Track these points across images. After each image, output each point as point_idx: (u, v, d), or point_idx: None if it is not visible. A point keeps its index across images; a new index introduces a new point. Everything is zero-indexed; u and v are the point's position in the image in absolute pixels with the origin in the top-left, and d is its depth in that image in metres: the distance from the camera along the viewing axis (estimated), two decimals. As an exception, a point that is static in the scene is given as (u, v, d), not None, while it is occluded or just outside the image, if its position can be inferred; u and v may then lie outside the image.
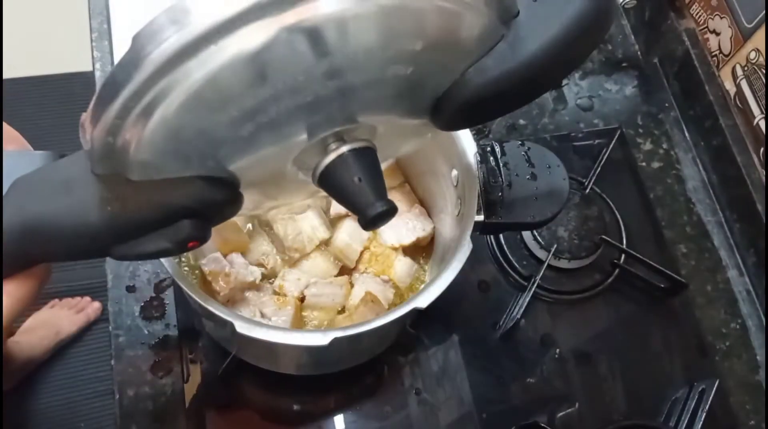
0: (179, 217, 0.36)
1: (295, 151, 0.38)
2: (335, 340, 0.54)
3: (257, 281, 0.70)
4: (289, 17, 0.30)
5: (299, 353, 0.67)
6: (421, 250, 0.75)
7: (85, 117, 0.33)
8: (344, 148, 0.38)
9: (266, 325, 0.57)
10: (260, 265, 0.71)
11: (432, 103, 0.40)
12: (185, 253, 0.71)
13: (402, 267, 0.72)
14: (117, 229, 0.36)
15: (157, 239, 0.36)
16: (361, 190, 0.38)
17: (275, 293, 0.70)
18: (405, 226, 0.73)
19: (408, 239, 0.73)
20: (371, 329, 0.55)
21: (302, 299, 0.70)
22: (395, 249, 0.73)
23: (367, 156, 0.39)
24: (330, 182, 0.39)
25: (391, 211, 0.38)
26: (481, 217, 0.61)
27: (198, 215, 0.37)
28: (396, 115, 0.40)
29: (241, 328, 0.54)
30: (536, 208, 0.63)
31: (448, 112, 0.40)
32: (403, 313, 0.56)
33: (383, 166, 0.42)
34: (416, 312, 0.56)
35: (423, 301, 0.56)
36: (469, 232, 0.60)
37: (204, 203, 0.36)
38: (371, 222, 0.38)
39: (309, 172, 0.40)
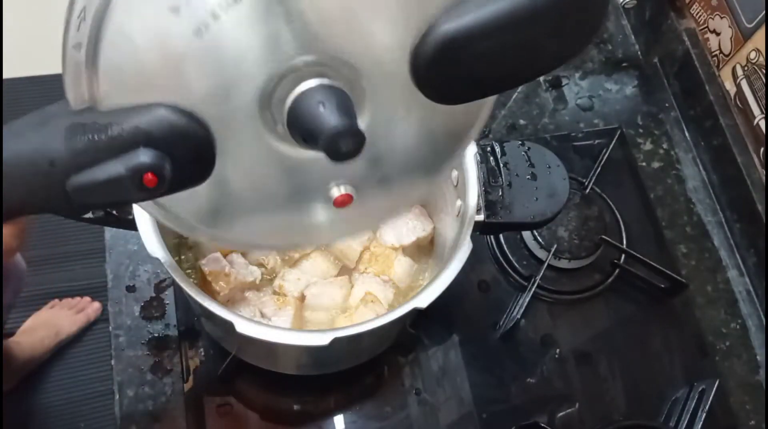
0: (138, 144, 0.35)
1: (257, 80, 0.37)
2: (335, 340, 0.54)
3: (257, 281, 0.70)
4: None
5: (299, 353, 0.67)
6: (421, 250, 0.75)
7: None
8: (314, 82, 0.36)
9: (266, 324, 0.57)
10: (260, 265, 0.71)
11: (410, 55, 0.38)
12: (184, 253, 0.71)
13: (402, 267, 0.72)
14: (78, 153, 0.35)
15: (112, 165, 0.35)
16: (324, 114, 0.36)
17: (275, 293, 0.70)
18: (405, 226, 0.73)
19: (408, 239, 0.73)
20: (371, 329, 0.55)
21: (302, 299, 0.70)
22: (395, 249, 0.73)
23: (339, 93, 0.37)
24: (297, 116, 0.37)
25: (354, 133, 0.35)
26: (481, 217, 0.61)
27: (159, 146, 0.36)
28: (370, 49, 0.38)
29: (241, 328, 0.54)
30: (536, 208, 0.63)
31: (422, 63, 0.37)
32: (403, 313, 0.56)
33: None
34: (416, 312, 0.57)
35: (423, 301, 0.56)
36: (469, 232, 0.60)
37: (164, 130, 0.36)
38: (333, 144, 0.35)
39: (279, 120, 0.38)
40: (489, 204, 0.62)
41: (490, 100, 0.45)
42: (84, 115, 0.36)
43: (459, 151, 0.47)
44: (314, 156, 0.40)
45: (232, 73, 0.36)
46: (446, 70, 0.38)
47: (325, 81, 0.37)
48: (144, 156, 0.35)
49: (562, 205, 0.63)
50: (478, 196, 0.61)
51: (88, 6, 0.33)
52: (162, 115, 0.35)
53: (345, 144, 0.35)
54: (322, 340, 0.54)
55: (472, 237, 0.60)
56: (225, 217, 0.45)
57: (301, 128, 0.37)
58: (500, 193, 0.63)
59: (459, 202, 0.64)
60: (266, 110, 0.38)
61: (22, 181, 0.36)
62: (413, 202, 0.51)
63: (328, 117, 0.35)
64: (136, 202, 0.39)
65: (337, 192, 0.43)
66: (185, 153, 0.37)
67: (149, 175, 0.35)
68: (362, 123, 0.40)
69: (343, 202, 0.43)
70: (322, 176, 0.43)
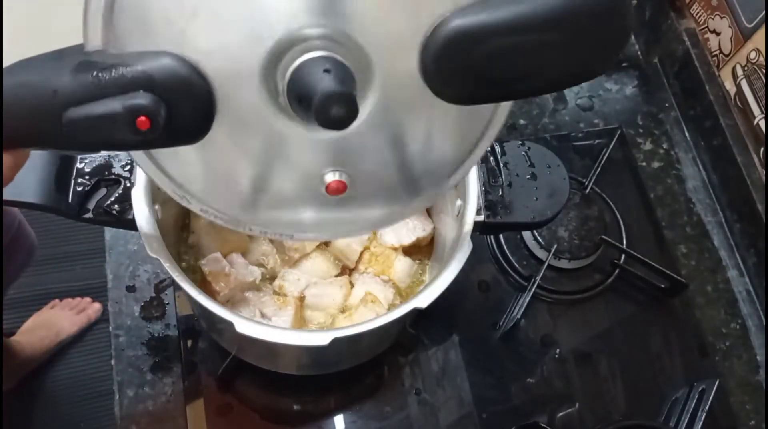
0: (140, 87, 0.36)
1: (266, 44, 0.37)
2: (335, 340, 0.54)
3: (257, 281, 0.70)
4: None
5: (299, 353, 0.67)
6: (421, 250, 0.75)
7: None
8: (319, 53, 0.37)
9: (266, 324, 0.57)
10: (260, 265, 0.72)
11: (419, 47, 0.38)
12: (185, 254, 0.71)
13: (402, 267, 0.72)
14: (81, 86, 0.36)
15: (110, 102, 0.36)
16: (322, 79, 0.36)
17: (275, 293, 0.70)
18: (405, 226, 0.73)
19: (408, 239, 0.73)
20: (371, 329, 0.55)
21: (302, 299, 0.70)
22: (395, 249, 0.73)
23: (342, 65, 0.37)
24: (296, 79, 0.37)
25: (348, 99, 0.35)
26: (481, 217, 0.61)
27: (159, 93, 0.36)
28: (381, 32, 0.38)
29: (242, 327, 0.54)
30: (536, 208, 0.63)
31: (431, 55, 0.37)
32: (403, 313, 0.56)
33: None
34: (416, 312, 0.57)
35: (423, 301, 0.56)
36: (469, 232, 0.60)
37: (167, 78, 0.36)
38: (325, 107, 0.34)
39: (282, 91, 0.38)
40: (489, 204, 0.62)
41: (503, 111, 0.44)
42: (94, 55, 0.37)
43: (467, 162, 0.47)
44: (312, 137, 0.41)
45: (244, 32, 0.37)
46: (454, 64, 0.38)
47: (329, 53, 0.37)
48: (142, 98, 0.36)
49: (562, 205, 0.63)
50: (478, 196, 0.61)
51: None
52: (167, 63, 0.36)
53: (337, 109, 0.35)
54: (322, 340, 0.54)
55: (472, 237, 0.60)
56: (217, 187, 0.45)
57: (297, 93, 0.37)
58: (500, 193, 0.63)
59: (459, 202, 0.64)
60: (270, 77, 0.38)
61: (23, 105, 0.37)
62: (415, 209, 0.50)
63: (323, 81, 0.35)
64: (127, 146, 0.39)
65: (331, 177, 0.43)
66: (184, 105, 0.37)
67: (143, 118, 0.36)
68: (363, 111, 0.40)
69: (336, 190, 0.43)
70: (319, 161, 0.43)
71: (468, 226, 0.60)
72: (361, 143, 0.41)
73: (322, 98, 0.35)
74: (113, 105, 0.36)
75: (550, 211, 0.63)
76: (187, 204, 0.46)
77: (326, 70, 0.36)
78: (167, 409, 0.72)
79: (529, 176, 0.64)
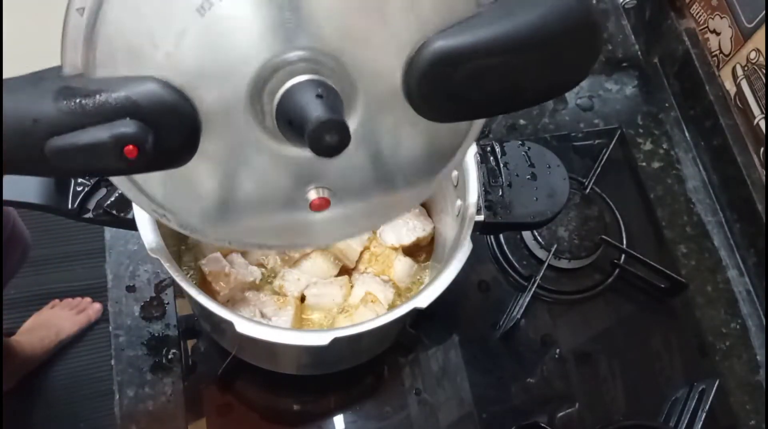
0: (125, 114, 0.35)
1: (253, 67, 0.37)
2: (335, 340, 0.54)
3: (257, 281, 0.70)
4: None
5: (299, 353, 0.67)
6: (421, 250, 0.75)
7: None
8: (307, 77, 0.37)
9: (266, 324, 0.57)
10: (260, 265, 0.72)
11: (402, 68, 0.39)
12: (185, 254, 0.71)
13: (402, 267, 0.72)
14: (63, 114, 0.35)
15: (95, 131, 0.35)
16: (312, 105, 0.36)
17: (275, 293, 0.70)
18: (405, 226, 0.73)
19: (408, 239, 0.73)
20: (371, 329, 0.55)
21: (302, 299, 0.70)
22: (395, 249, 0.73)
23: (330, 89, 0.37)
24: (286, 106, 0.37)
25: (340, 126, 0.35)
26: (481, 217, 0.61)
27: (145, 119, 0.36)
28: (367, 53, 0.38)
29: (241, 327, 0.54)
30: (536, 208, 0.63)
31: (414, 76, 0.38)
32: (403, 313, 0.56)
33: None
34: (416, 312, 0.57)
35: (423, 301, 0.56)
36: (469, 232, 0.60)
37: (153, 104, 0.36)
38: (318, 135, 0.35)
39: (268, 112, 0.38)
40: (489, 204, 0.62)
41: (478, 124, 0.46)
42: (75, 80, 0.36)
43: (443, 170, 0.48)
44: (296, 155, 0.41)
45: (229, 57, 0.36)
46: (437, 85, 0.39)
47: (318, 77, 0.37)
48: (129, 126, 0.35)
49: (562, 205, 0.63)
50: (478, 196, 0.61)
51: None
52: (152, 88, 0.36)
53: (330, 136, 0.35)
54: (322, 340, 0.54)
55: (472, 237, 0.60)
56: (206, 210, 0.45)
57: (288, 118, 0.37)
58: (500, 193, 0.63)
59: (459, 202, 0.64)
60: (256, 101, 0.38)
61: (3, 135, 0.36)
62: (396, 214, 0.51)
63: (317, 108, 0.35)
64: (114, 173, 0.39)
65: (314, 194, 0.43)
66: (170, 131, 0.37)
67: (131, 147, 0.35)
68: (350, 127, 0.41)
69: (319, 206, 0.43)
70: (303, 178, 0.43)
71: (468, 226, 0.60)
72: (343, 159, 0.42)
73: (316, 126, 0.35)
74: (99, 134, 0.35)
75: (550, 211, 0.63)
76: (167, 222, 0.45)
77: (318, 95, 0.36)
78: (167, 409, 0.72)
79: (529, 176, 0.64)
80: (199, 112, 0.37)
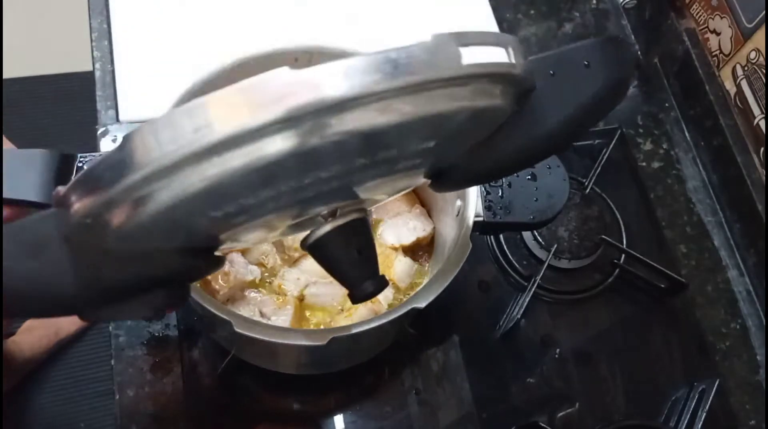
0: (154, 287, 0.36)
1: (286, 223, 0.38)
2: (335, 340, 0.54)
3: (257, 280, 0.70)
4: (311, 135, 0.28)
5: (299, 353, 0.67)
6: (421, 250, 0.75)
7: (64, 189, 0.32)
8: (340, 222, 0.38)
9: (266, 324, 0.57)
10: (260, 264, 0.71)
11: (435, 171, 0.40)
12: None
13: (402, 267, 0.72)
14: (89, 296, 0.35)
15: (136, 307, 0.36)
16: (354, 266, 0.39)
17: (275, 293, 0.70)
18: (405, 226, 0.73)
19: (408, 239, 0.73)
20: (371, 329, 0.55)
21: (302, 299, 0.70)
22: (395, 249, 0.73)
23: (361, 227, 0.39)
24: (321, 253, 0.39)
25: (382, 288, 0.40)
26: (481, 217, 0.61)
27: (174, 284, 0.37)
28: (395, 188, 0.41)
29: (241, 327, 0.54)
30: (536, 208, 0.63)
31: (453, 182, 0.40)
32: (402, 313, 0.56)
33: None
34: (416, 312, 0.56)
35: (423, 300, 0.56)
36: (469, 232, 0.60)
37: (181, 274, 0.37)
38: (362, 298, 0.40)
39: (296, 235, 0.41)
40: (489, 204, 0.62)
41: None
42: (87, 253, 0.34)
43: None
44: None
45: (261, 230, 0.39)
46: (469, 184, 0.47)
47: (350, 218, 0.39)
48: (162, 297, 0.37)
49: (562, 205, 0.63)
50: (478, 196, 0.61)
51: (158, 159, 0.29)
52: (178, 260, 0.36)
53: (369, 285, 0.40)
54: (321, 339, 0.54)
55: (472, 237, 0.60)
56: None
57: (326, 265, 0.41)
58: (500, 193, 0.63)
59: (459, 202, 0.64)
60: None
61: (34, 299, 0.35)
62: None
63: (360, 272, 0.40)
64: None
65: None
66: (198, 275, 0.41)
67: (170, 309, 0.38)
68: None
69: None
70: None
71: (468, 226, 0.60)
72: None
73: (362, 296, 0.40)
74: (141, 311, 0.37)
75: (549, 211, 0.63)
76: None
77: (356, 251, 0.39)
78: (167, 409, 0.72)
79: (528, 176, 0.64)
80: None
